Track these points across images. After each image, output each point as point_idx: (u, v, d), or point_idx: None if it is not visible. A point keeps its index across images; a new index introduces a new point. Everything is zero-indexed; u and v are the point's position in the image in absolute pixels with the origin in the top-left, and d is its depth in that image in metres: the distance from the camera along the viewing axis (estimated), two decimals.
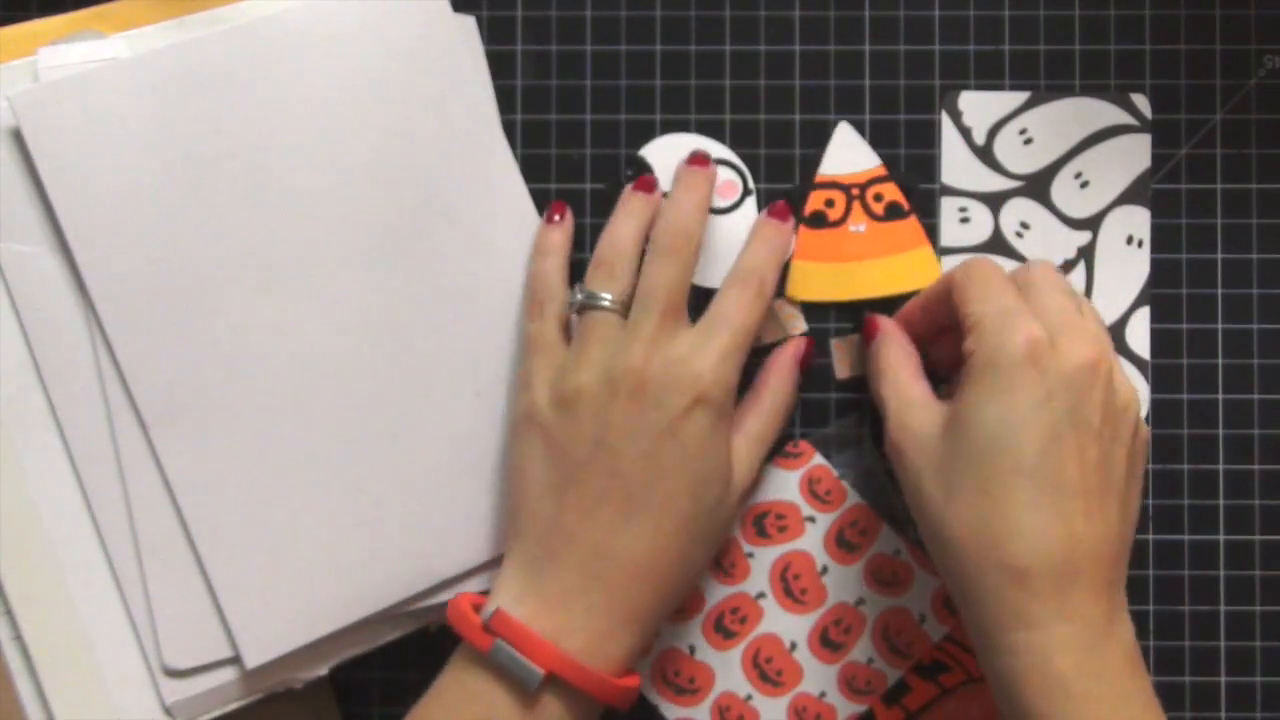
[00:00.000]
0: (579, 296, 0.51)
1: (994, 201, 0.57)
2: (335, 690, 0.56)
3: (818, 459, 0.56)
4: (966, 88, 0.57)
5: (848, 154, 0.57)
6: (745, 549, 0.55)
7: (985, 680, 0.46)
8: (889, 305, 0.56)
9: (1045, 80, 0.57)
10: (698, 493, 0.48)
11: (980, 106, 0.57)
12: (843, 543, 0.55)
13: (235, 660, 0.51)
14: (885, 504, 0.56)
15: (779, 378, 0.54)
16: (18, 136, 0.50)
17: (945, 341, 0.54)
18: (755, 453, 0.52)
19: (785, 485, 0.55)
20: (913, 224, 0.57)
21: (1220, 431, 0.57)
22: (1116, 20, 0.57)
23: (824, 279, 0.57)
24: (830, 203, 0.57)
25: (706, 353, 0.49)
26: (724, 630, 0.55)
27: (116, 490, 0.51)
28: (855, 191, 0.57)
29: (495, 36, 0.57)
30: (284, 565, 0.51)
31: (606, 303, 0.50)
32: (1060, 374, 0.45)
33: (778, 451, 0.56)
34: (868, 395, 0.55)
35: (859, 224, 0.57)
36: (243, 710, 0.52)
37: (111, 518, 0.51)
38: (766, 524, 0.55)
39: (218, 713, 0.51)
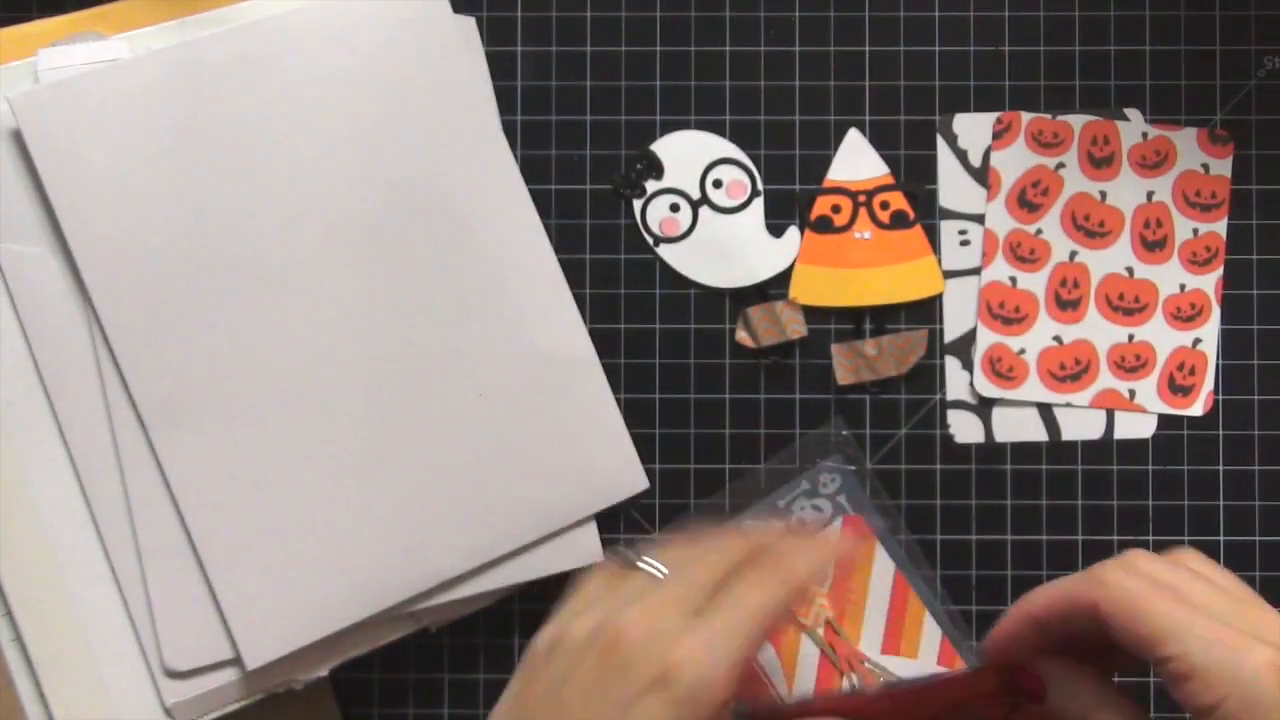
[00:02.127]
0: (635, 558, 0.45)
1: None
2: (335, 690, 0.56)
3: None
4: (966, 87, 0.57)
5: (856, 160, 0.57)
6: None
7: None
8: (890, 313, 0.56)
9: (1045, 80, 0.57)
10: None
11: (975, 128, 0.57)
12: None
13: (235, 661, 0.51)
14: (875, 515, 0.56)
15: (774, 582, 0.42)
16: (18, 137, 0.50)
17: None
18: None
19: None
20: (917, 233, 0.57)
21: (1220, 433, 0.57)
22: (1116, 21, 0.57)
23: (827, 284, 0.57)
24: (837, 208, 0.57)
25: (696, 631, 0.40)
26: None
27: (116, 490, 0.51)
28: (862, 198, 0.57)
29: (495, 37, 0.57)
30: (284, 566, 0.51)
31: (658, 575, 0.44)
32: None
33: None
34: (866, 396, 0.55)
35: (864, 231, 0.57)
36: (243, 711, 0.52)
37: (111, 518, 0.51)
38: None
39: (218, 713, 0.51)
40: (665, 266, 0.57)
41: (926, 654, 0.56)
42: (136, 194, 0.51)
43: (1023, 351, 0.57)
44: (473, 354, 0.54)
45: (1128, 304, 0.57)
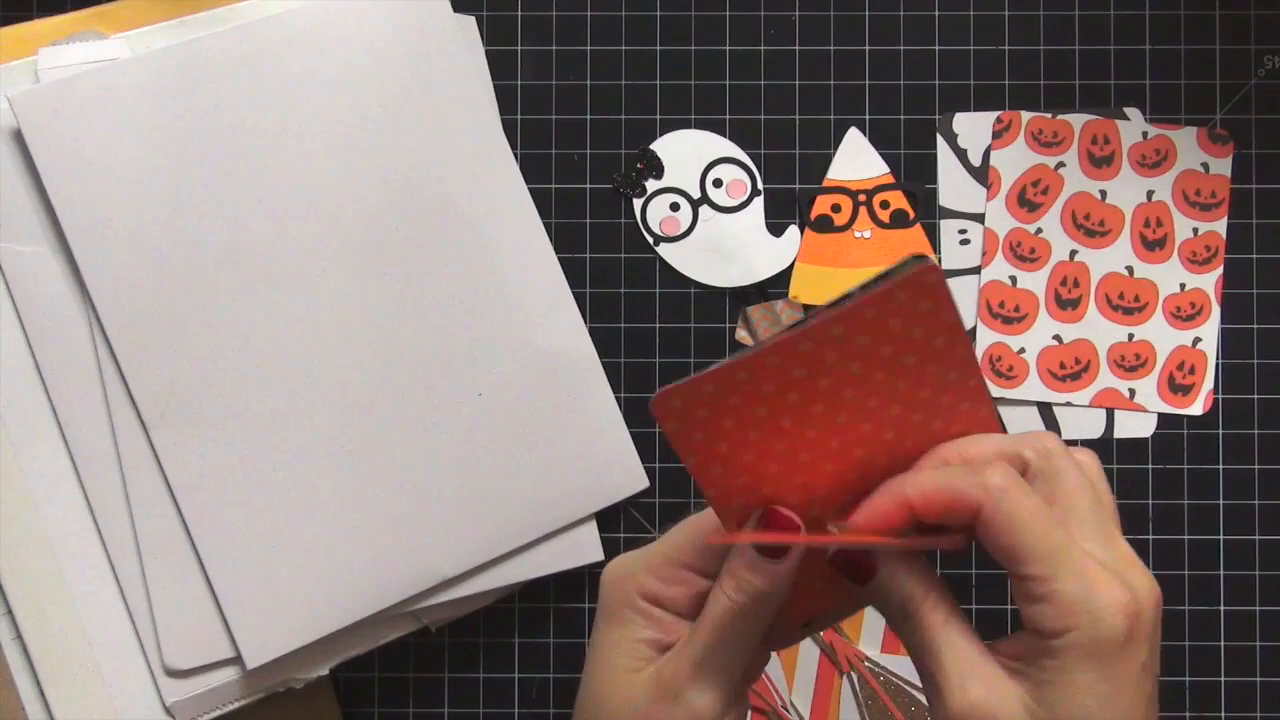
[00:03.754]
0: None
1: None
2: (335, 690, 0.56)
3: None
4: (966, 87, 0.57)
5: (856, 159, 0.57)
6: None
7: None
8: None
9: (1045, 80, 0.57)
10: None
11: (975, 127, 0.57)
12: None
13: (236, 660, 0.51)
14: None
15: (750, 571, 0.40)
16: (18, 136, 0.50)
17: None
18: (685, 687, 0.40)
19: None
20: (917, 233, 0.57)
21: (1219, 431, 0.57)
22: (1116, 21, 0.57)
23: (827, 283, 0.57)
24: (837, 207, 0.57)
25: (643, 551, 0.41)
26: None
27: (116, 490, 0.51)
28: (862, 198, 0.57)
29: (495, 36, 0.57)
30: (284, 565, 0.51)
31: None
32: (1146, 633, 0.38)
33: None
34: None
35: (864, 230, 0.57)
36: (243, 710, 0.52)
37: (111, 518, 0.51)
38: None
39: (218, 713, 0.51)
40: (665, 266, 0.57)
41: None
42: (136, 193, 0.51)
43: (1023, 351, 0.57)
44: (473, 353, 0.54)
45: (1128, 303, 0.57)
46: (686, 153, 0.57)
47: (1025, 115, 0.57)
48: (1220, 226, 0.57)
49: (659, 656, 0.41)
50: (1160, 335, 0.57)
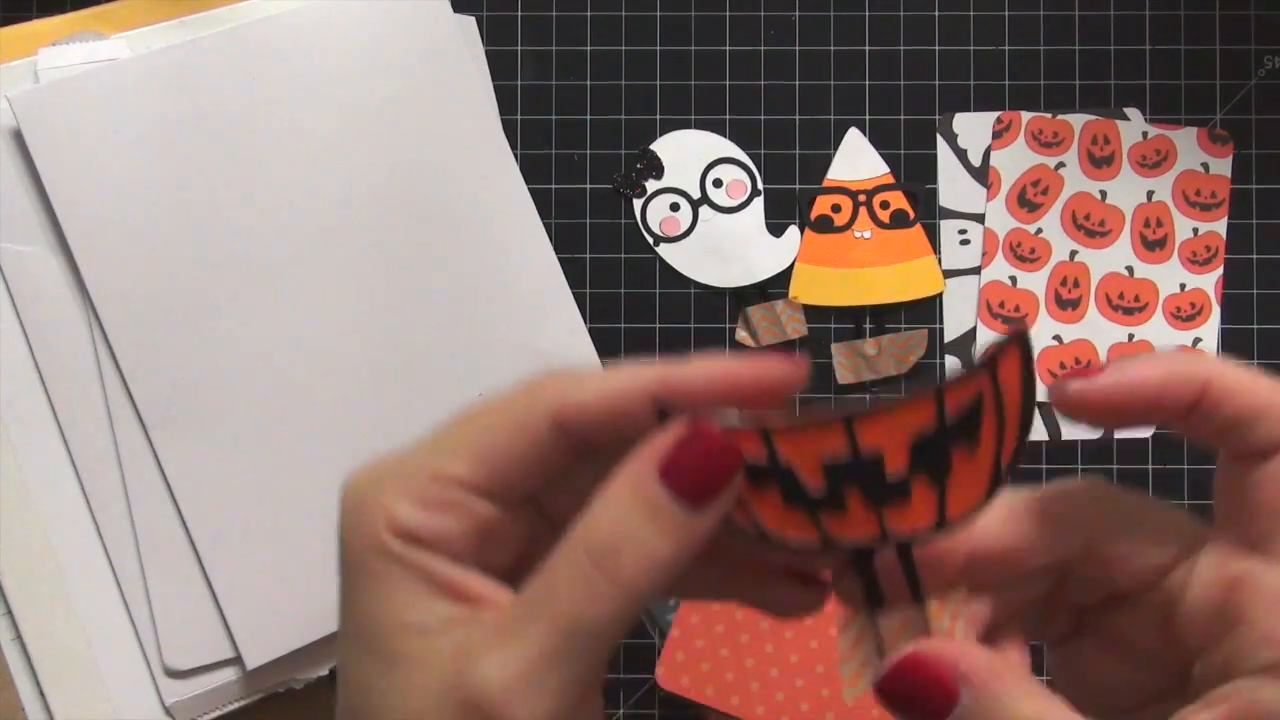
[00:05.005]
0: None
1: None
2: (335, 690, 0.56)
3: None
4: (966, 87, 0.57)
5: (856, 159, 0.57)
6: None
7: None
8: (890, 313, 0.56)
9: (1045, 80, 0.57)
10: None
11: (975, 127, 0.57)
12: None
13: (235, 661, 0.51)
14: None
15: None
16: (18, 136, 0.50)
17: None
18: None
19: None
20: (918, 233, 0.57)
21: None
22: (1116, 21, 0.57)
23: (828, 283, 0.57)
24: (837, 208, 0.57)
25: (396, 457, 0.28)
26: None
27: (117, 490, 0.51)
28: (862, 198, 0.57)
29: (495, 36, 0.57)
30: (284, 566, 0.51)
31: None
32: None
33: None
34: (866, 396, 0.55)
35: (864, 230, 0.57)
36: (243, 710, 0.52)
37: (111, 518, 0.51)
38: None
39: (218, 713, 0.51)
40: (665, 266, 0.57)
41: None
42: (136, 193, 0.51)
43: None
44: (473, 353, 0.54)
45: (1128, 303, 0.57)
46: (686, 153, 0.57)
47: (1025, 115, 0.57)
48: (1220, 227, 0.57)
49: (442, 637, 0.26)
50: (1160, 335, 0.57)
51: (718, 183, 0.57)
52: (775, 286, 0.57)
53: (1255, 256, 0.57)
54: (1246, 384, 0.28)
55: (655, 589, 0.26)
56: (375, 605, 0.27)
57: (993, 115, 0.57)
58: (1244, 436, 0.28)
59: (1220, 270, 0.57)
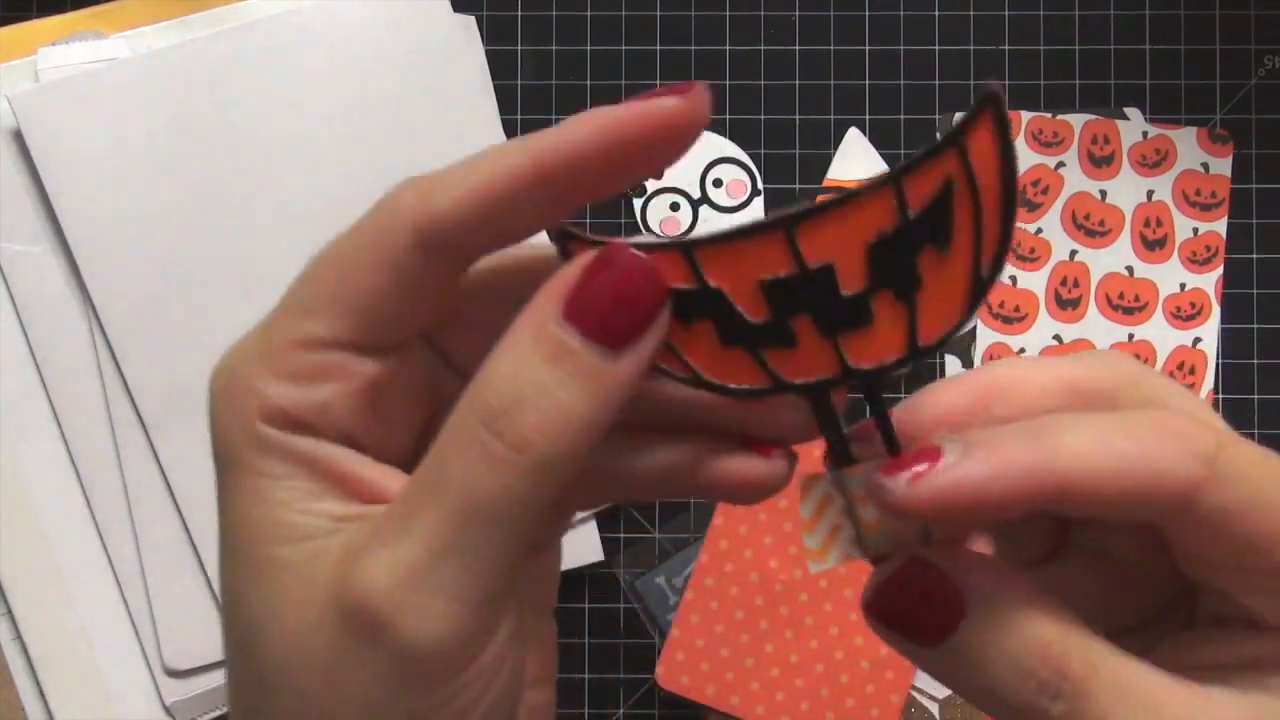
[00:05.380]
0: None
1: None
2: None
3: None
4: (966, 87, 0.57)
5: (856, 159, 0.57)
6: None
7: None
8: None
9: (1045, 80, 0.57)
10: None
11: None
12: None
13: None
14: None
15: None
16: (18, 136, 0.50)
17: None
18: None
19: None
20: None
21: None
22: (1116, 20, 0.57)
23: None
24: None
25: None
26: None
27: (117, 490, 0.51)
28: None
29: (495, 36, 0.57)
30: None
31: None
32: None
33: None
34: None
35: None
36: None
37: (111, 518, 0.51)
38: None
39: (218, 713, 0.51)
40: None
41: None
42: (136, 193, 0.51)
43: (1023, 350, 0.57)
44: None
45: (1128, 303, 0.57)
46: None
47: (1025, 115, 0.57)
48: (1220, 226, 0.57)
49: (328, 539, 0.22)
50: (1160, 335, 0.57)
51: (718, 182, 0.57)
52: None
53: (1255, 256, 0.57)
54: (1258, 486, 0.21)
55: (569, 456, 0.21)
56: (251, 507, 0.22)
57: None
58: (1259, 567, 0.22)
59: (1220, 270, 0.57)
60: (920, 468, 0.21)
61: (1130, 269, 0.57)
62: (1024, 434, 0.21)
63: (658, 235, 0.20)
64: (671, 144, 0.22)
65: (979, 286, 0.22)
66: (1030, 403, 0.23)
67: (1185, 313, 0.57)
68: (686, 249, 0.22)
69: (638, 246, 0.22)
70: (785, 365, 0.22)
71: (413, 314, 0.23)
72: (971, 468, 0.21)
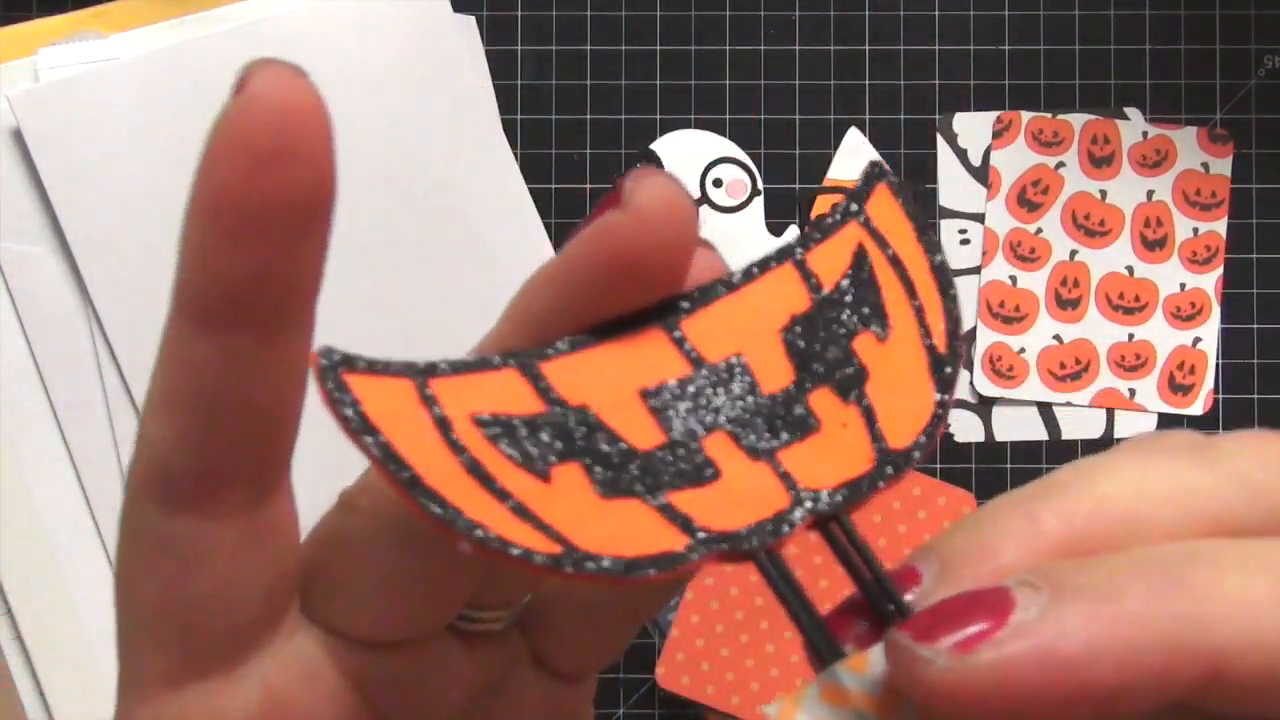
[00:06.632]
0: None
1: None
2: None
3: None
4: (966, 86, 0.57)
5: (856, 159, 0.57)
6: None
7: None
8: None
9: (1045, 80, 0.57)
10: None
11: (975, 127, 0.57)
12: None
13: None
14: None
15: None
16: (18, 136, 0.50)
17: None
18: None
19: None
20: None
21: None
22: (1116, 20, 0.57)
23: None
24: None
25: None
26: None
27: (117, 490, 0.51)
28: None
29: (495, 36, 0.57)
30: None
31: None
32: None
33: None
34: None
35: None
36: None
37: (111, 517, 0.51)
38: None
39: None
40: None
41: None
42: (136, 193, 0.51)
43: (1023, 351, 0.57)
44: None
45: (1128, 303, 0.57)
46: (686, 153, 0.57)
47: (1025, 115, 0.57)
48: (1220, 226, 0.57)
49: None
50: (1160, 335, 0.57)
51: (718, 183, 0.57)
52: None
53: (1255, 256, 0.57)
54: None
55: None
56: None
57: (993, 115, 0.57)
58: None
59: (1220, 270, 0.57)
60: (976, 627, 0.13)
61: (1130, 269, 0.57)
62: (1149, 573, 0.14)
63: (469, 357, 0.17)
64: (650, 271, 0.16)
65: (940, 364, 0.18)
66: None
67: (1185, 313, 0.57)
68: (526, 367, 0.17)
69: (448, 365, 0.17)
70: (705, 510, 0.15)
71: None
72: (1069, 628, 0.13)
